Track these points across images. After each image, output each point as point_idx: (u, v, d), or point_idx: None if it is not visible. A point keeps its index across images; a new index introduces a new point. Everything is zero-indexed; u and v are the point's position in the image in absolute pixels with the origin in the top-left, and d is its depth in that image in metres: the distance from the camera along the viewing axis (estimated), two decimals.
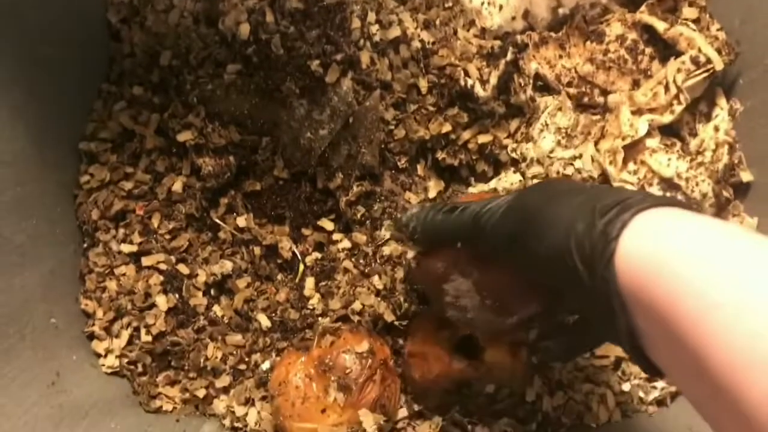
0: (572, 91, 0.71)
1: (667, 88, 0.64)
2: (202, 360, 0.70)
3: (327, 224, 0.73)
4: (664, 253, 0.34)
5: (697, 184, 0.62)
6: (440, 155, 0.72)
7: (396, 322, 0.67)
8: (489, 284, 0.52)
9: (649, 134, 0.65)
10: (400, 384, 0.66)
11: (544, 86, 0.73)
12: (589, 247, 0.37)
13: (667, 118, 0.65)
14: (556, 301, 0.51)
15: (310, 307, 0.71)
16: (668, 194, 0.63)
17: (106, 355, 0.69)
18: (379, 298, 0.69)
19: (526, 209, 0.44)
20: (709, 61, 0.65)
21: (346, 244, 0.72)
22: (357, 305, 0.69)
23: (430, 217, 0.53)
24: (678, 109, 0.64)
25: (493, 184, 0.71)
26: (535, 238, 0.41)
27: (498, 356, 0.61)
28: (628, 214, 0.37)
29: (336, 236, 0.73)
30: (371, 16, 0.69)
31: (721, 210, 0.66)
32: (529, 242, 0.42)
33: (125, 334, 0.69)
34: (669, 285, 0.33)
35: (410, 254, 0.67)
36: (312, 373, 0.62)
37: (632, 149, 0.65)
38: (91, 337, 0.69)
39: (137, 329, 0.70)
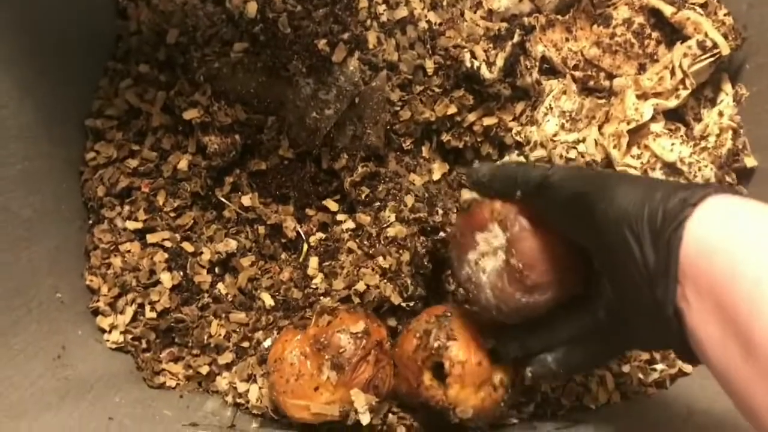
0: (578, 74, 0.71)
1: (673, 73, 0.65)
2: (205, 337, 0.70)
3: (331, 205, 0.74)
4: (731, 231, 0.36)
5: (699, 170, 0.63)
6: (445, 137, 0.73)
7: (403, 304, 0.67)
8: (526, 244, 0.50)
9: (653, 119, 0.65)
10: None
11: (550, 69, 0.73)
12: (662, 213, 0.39)
13: (672, 103, 0.65)
14: (593, 289, 0.50)
15: (313, 287, 0.72)
16: (671, 179, 0.64)
17: (110, 331, 0.70)
18: (384, 280, 0.69)
19: (601, 173, 0.47)
20: (715, 46, 0.65)
21: (350, 224, 0.72)
22: (360, 285, 0.69)
23: (504, 165, 0.55)
24: (683, 94, 0.64)
25: None
26: (606, 199, 0.42)
27: (462, 395, 0.58)
28: (700, 194, 0.39)
29: (340, 217, 0.73)
30: None
31: None
32: (598, 203, 0.43)
33: (130, 311, 0.70)
34: (730, 261, 0.35)
35: (466, 195, 0.66)
36: (307, 351, 0.62)
37: (636, 133, 0.65)
38: (96, 312, 0.70)
39: (141, 306, 0.70)
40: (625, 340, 0.50)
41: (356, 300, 0.68)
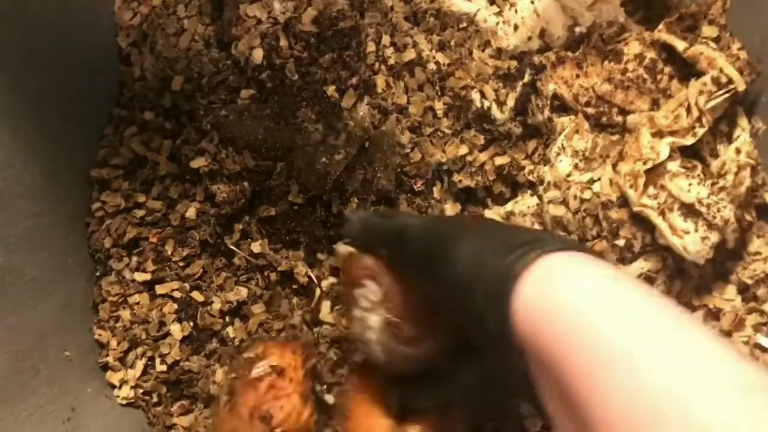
0: (590, 110, 0.70)
1: (688, 110, 0.63)
2: (210, 387, 0.69)
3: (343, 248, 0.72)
4: (562, 299, 0.33)
5: (719, 210, 0.61)
6: (457, 177, 0.71)
7: None
8: (398, 298, 0.51)
9: (669, 157, 0.64)
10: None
11: (561, 106, 0.72)
12: (493, 280, 0.36)
13: (689, 141, 0.63)
14: (462, 343, 0.50)
15: (324, 332, 0.70)
16: (689, 221, 0.62)
17: (120, 386, 0.68)
18: None
19: (446, 230, 0.44)
20: (730, 81, 0.63)
21: None
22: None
23: (369, 218, 0.55)
24: (700, 132, 0.63)
25: (509, 207, 0.70)
26: (447, 260, 0.41)
27: None
28: (534, 254, 0.36)
29: None
30: (386, 39, 0.68)
31: (744, 233, 0.65)
32: (443, 264, 0.41)
33: (140, 365, 0.68)
34: (563, 333, 0.32)
35: (341, 249, 0.63)
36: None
37: (652, 173, 0.64)
38: (105, 367, 0.68)
39: (152, 359, 0.69)
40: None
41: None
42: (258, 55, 0.66)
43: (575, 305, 0.33)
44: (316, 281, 0.72)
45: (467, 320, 0.41)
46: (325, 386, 0.68)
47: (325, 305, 0.71)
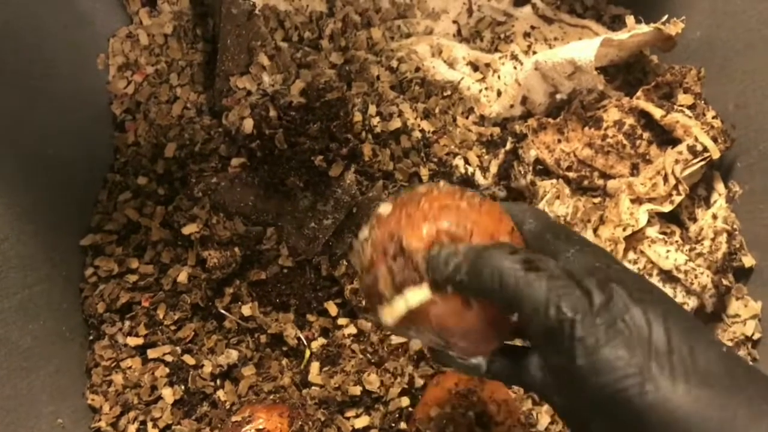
0: (572, 174, 0.72)
1: (666, 179, 0.65)
2: None
3: (332, 308, 0.74)
4: None
5: (696, 277, 0.63)
6: None
7: None
8: (451, 322, 0.41)
9: (648, 222, 0.66)
10: None
11: (544, 170, 0.74)
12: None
13: (666, 208, 0.65)
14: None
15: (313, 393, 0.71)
16: (668, 286, 0.64)
17: None
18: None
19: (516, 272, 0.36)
20: (705, 150, 0.66)
21: (352, 330, 0.72)
22: (355, 390, 0.69)
23: (489, 260, 0.37)
24: (677, 199, 0.65)
25: None
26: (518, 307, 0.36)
27: None
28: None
29: (341, 321, 0.73)
30: (372, 109, 0.70)
31: (722, 297, 0.66)
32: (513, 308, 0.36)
33: (132, 429, 0.69)
34: None
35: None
36: None
37: (632, 237, 0.66)
38: None
39: (144, 423, 0.69)
40: None
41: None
42: (248, 125, 0.68)
43: None
44: (305, 343, 0.73)
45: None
46: None
47: (314, 366, 0.72)
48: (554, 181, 0.72)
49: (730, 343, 0.67)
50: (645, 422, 0.32)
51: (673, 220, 0.70)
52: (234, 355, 0.71)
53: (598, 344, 0.33)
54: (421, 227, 0.40)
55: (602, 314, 0.34)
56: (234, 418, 0.65)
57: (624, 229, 0.65)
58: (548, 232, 0.42)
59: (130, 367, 0.71)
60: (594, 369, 0.33)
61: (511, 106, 0.73)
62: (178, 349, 0.71)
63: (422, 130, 0.71)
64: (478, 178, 0.70)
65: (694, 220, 0.69)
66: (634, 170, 0.71)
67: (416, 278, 0.40)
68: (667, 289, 0.64)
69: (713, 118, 0.68)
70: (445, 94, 0.73)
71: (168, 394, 0.70)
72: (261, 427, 0.64)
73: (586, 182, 0.72)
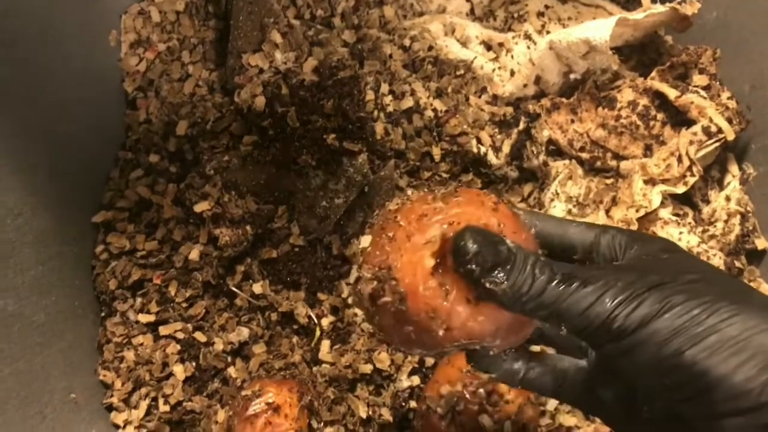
0: (585, 155, 0.72)
1: (680, 160, 0.65)
2: (213, 427, 0.70)
3: (342, 287, 0.74)
4: None
5: (708, 259, 0.63)
6: None
7: None
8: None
9: (661, 203, 0.65)
10: None
11: (557, 150, 0.74)
12: None
13: (680, 189, 0.65)
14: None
15: (324, 371, 0.72)
16: None
17: (125, 426, 0.69)
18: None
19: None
20: (720, 131, 0.65)
21: None
22: (365, 368, 0.69)
23: (537, 286, 0.34)
24: (691, 180, 0.64)
25: None
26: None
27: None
28: None
29: (351, 299, 0.74)
30: (384, 87, 0.70)
31: None
32: None
33: (143, 405, 0.69)
34: None
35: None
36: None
37: (644, 219, 0.66)
38: (110, 408, 0.70)
39: (155, 399, 0.70)
40: None
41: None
42: (260, 102, 0.68)
43: None
44: (316, 321, 0.74)
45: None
46: (322, 423, 0.70)
47: (325, 344, 0.73)
48: (567, 161, 0.71)
49: None
50: None
51: (686, 201, 0.69)
52: (245, 332, 0.72)
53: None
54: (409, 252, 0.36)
55: None
56: (244, 392, 0.66)
57: (637, 210, 0.65)
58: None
59: (141, 344, 0.71)
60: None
61: (525, 85, 0.72)
62: (190, 326, 0.72)
63: (435, 109, 0.71)
64: (491, 157, 0.70)
65: (708, 201, 0.69)
66: (648, 151, 0.70)
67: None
68: None
69: (728, 99, 0.67)
70: (458, 73, 0.73)
71: (179, 371, 0.70)
72: (271, 400, 0.64)
73: (599, 163, 0.72)
